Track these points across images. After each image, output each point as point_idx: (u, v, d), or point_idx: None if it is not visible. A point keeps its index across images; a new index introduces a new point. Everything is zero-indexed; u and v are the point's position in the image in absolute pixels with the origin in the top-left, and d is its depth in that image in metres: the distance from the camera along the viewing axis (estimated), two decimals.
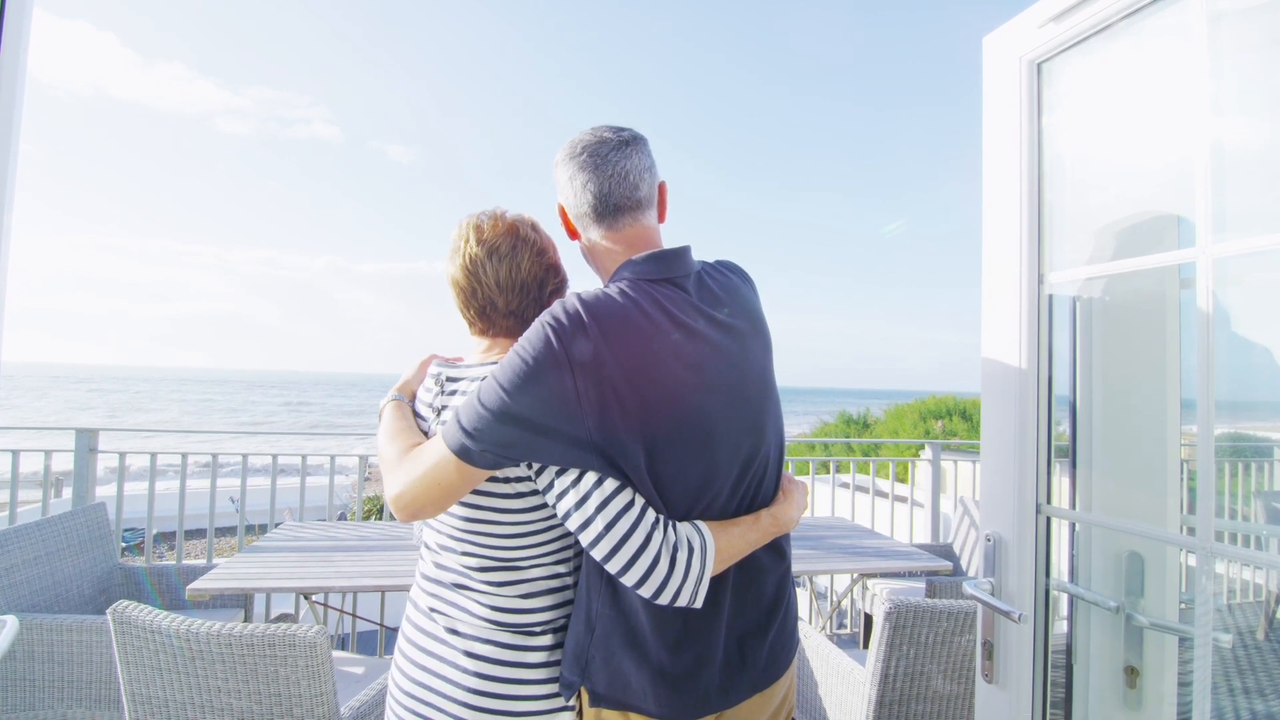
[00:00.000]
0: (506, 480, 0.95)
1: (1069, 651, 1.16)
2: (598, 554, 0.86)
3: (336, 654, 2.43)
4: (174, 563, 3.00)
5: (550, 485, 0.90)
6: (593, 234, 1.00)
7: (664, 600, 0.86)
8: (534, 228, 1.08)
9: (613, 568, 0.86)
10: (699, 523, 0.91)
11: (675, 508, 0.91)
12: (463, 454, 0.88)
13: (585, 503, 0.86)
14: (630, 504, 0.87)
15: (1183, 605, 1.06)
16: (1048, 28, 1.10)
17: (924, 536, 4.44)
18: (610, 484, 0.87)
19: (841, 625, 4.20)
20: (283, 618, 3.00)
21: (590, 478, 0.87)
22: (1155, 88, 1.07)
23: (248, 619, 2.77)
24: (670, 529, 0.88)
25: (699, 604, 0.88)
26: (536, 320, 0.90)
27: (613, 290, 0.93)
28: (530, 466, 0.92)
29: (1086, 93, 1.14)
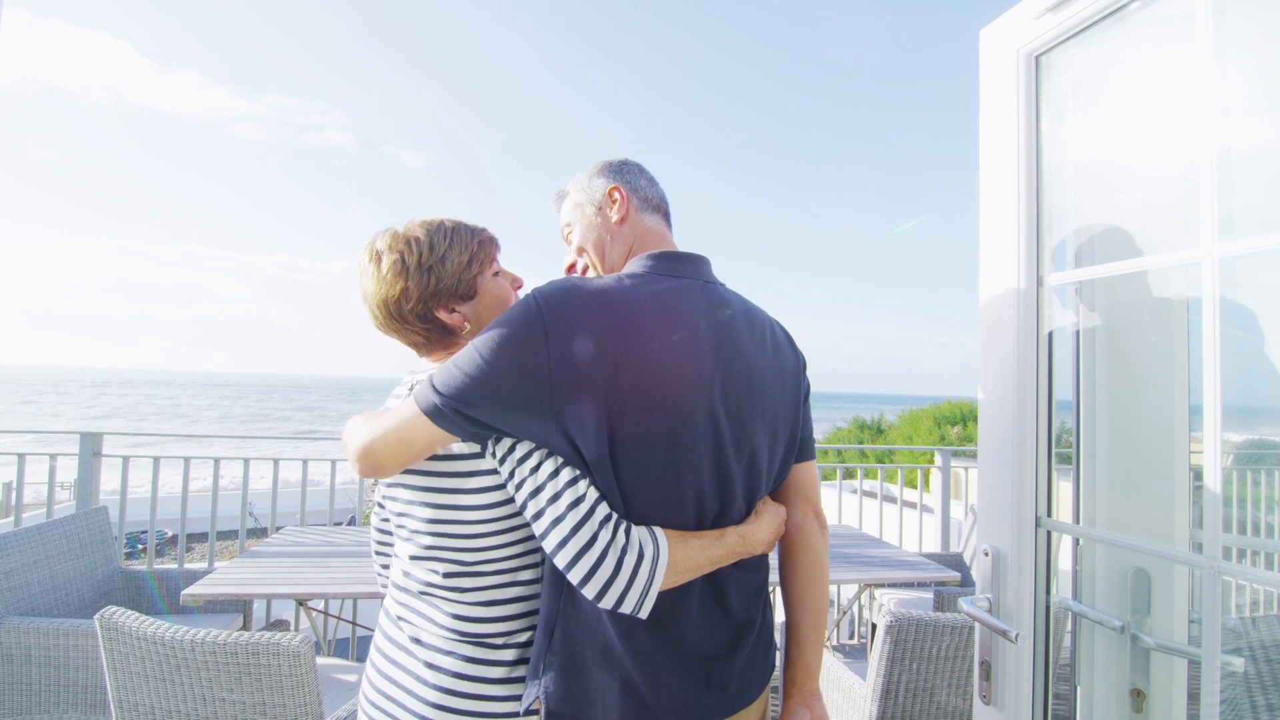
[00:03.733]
0: (470, 475, 0.93)
1: (1072, 672, 1.11)
2: (547, 547, 0.84)
3: (332, 660, 2.41)
4: (175, 566, 3.01)
5: (511, 474, 0.88)
6: (649, 220, 1.10)
7: (607, 604, 0.83)
8: (388, 248, 1.02)
9: (559, 563, 0.84)
10: (657, 530, 0.87)
11: (635, 507, 0.88)
12: (431, 411, 0.87)
13: (539, 494, 0.85)
14: (581, 498, 0.84)
15: (1193, 623, 1.01)
16: (1045, 18, 1.05)
17: (934, 544, 4.35)
18: (565, 475, 0.85)
19: (851, 635, 4.12)
20: (278, 624, 3.00)
21: (546, 468, 0.85)
22: (1158, 80, 1.02)
23: (246, 624, 2.76)
24: (621, 531, 0.84)
25: (644, 614, 0.84)
26: (529, 293, 0.90)
27: (610, 278, 0.95)
28: (495, 455, 0.89)
29: (1087, 86, 1.09)
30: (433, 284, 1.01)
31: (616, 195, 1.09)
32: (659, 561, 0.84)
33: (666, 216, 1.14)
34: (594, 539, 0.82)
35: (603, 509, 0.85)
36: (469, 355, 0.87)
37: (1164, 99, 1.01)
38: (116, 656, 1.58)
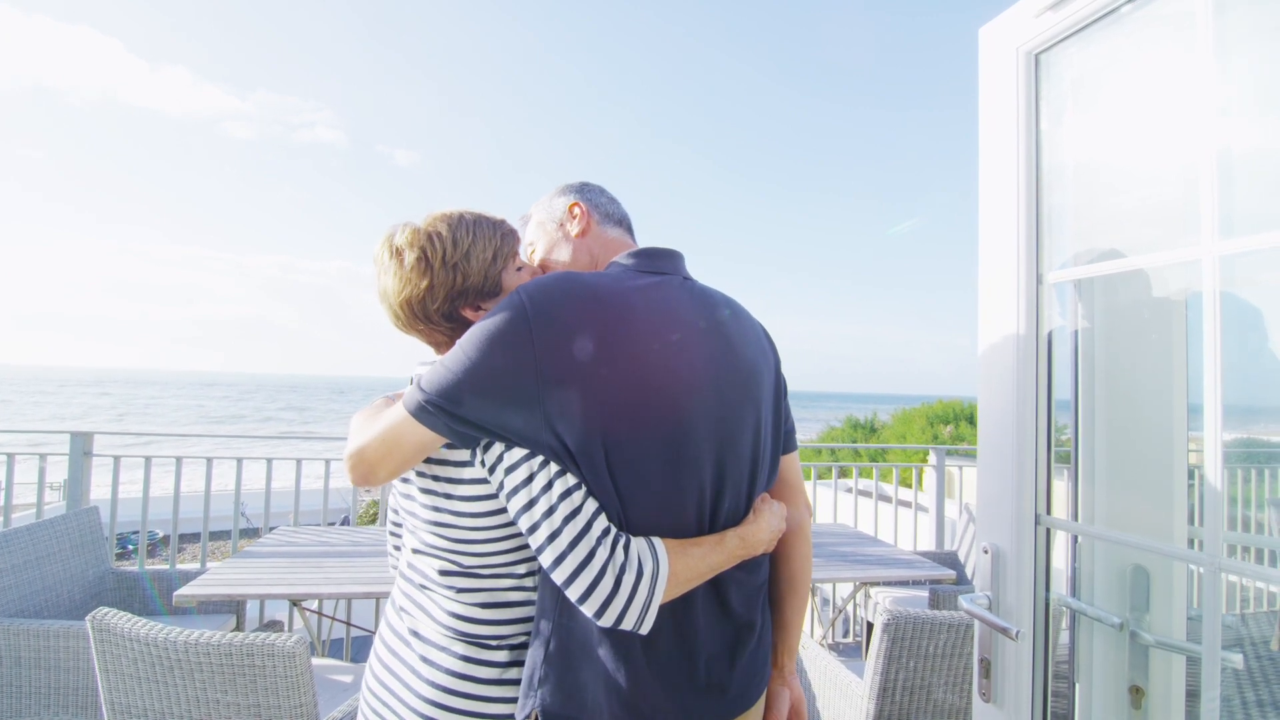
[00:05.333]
0: (460, 482, 0.91)
1: (1071, 670, 1.11)
2: (544, 562, 0.83)
3: (326, 661, 2.39)
4: (167, 567, 2.98)
5: (501, 485, 0.86)
6: (610, 231, 1.12)
7: (606, 622, 0.81)
8: (409, 244, 0.98)
9: (557, 579, 0.82)
10: (656, 541, 0.85)
11: (634, 511, 0.86)
12: (416, 411, 0.86)
13: (533, 507, 0.83)
14: (578, 510, 0.82)
15: (1191, 620, 1.01)
16: (1045, 17, 1.05)
17: (929, 543, 4.37)
18: (559, 487, 0.83)
19: (845, 634, 4.13)
20: (272, 624, 2.98)
21: (540, 480, 0.83)
22: (1158, 79, 1.02)
23: (240, 625, 2.74)
24: (620, 547, 0.82)
25: (644, 630, 0.83)
26: (516, 289, 0.89)
27: (595, 273, 0.95)
28: (484, 465, 0.87)
29: (1087, 85, 1.10)
30: (459, 282, 0.98)
31: (577, 210, 1.11)
32: (659, 577, 0.82)
33: (629, 230, 1.15)
34: (592, 555, 0.80)
35: (601, 522, 0.83)
36: (455, 353, 0.86)
37: (1164, 98, 1.01)
38: (108, 658, 1.57)
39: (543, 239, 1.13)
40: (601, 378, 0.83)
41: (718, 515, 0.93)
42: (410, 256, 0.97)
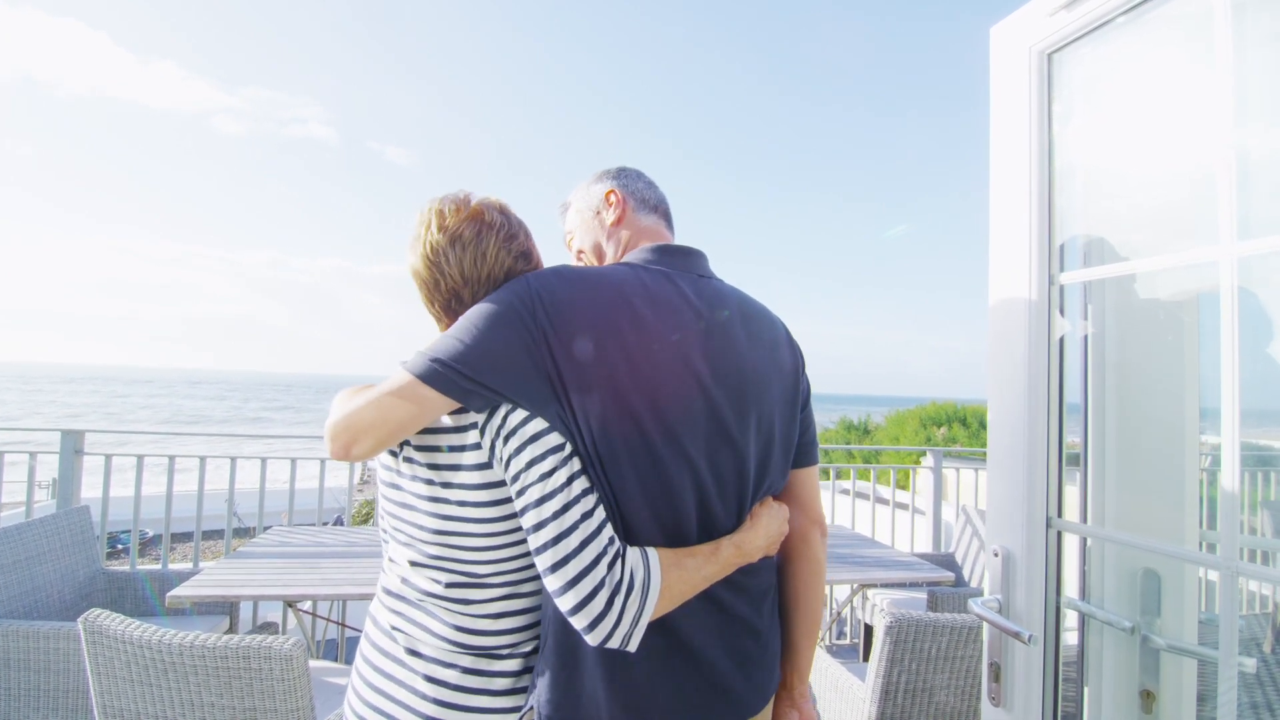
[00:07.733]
0: (476, 486, 0.89)
1: (1081, 674, 1.10)
2: (540, 566, 0.81)
3: (321, 663, 2.36)
4: (159, 567, 2.94)
5: (516, 477, 0.84)
6: (645, 220, 1.11)
7: (594, 640, 0.79)
8: (502, 211, 1.00)
9: (551, 586, 0.80)
10: (650, 553, 0.84)
11: (627, 508, 0.85)
12: (426, 373, 0.84)
13: (545, 503, 0.81)
14: (589, 514, 0.81)
15: (1202, 624, 1.01)
16: (1059, 16, 1.04)
17: (925, 545, 4.37)
18: (578, 486, 0.82)
19: (841, 635, 4.13)
20: (266, 626, 2.94)
21: (560, 477, 0.81)
22: (1174, 78, 1.02)
23: (233, 627, 2.71)
24: (619, 565, 0.81)
25: (632, 647, 0.81)
26: (521, 275, 0.91)
27: (603, 266, 0.96)
28: (501, 460, 0.85)
29: (1100, 84, 1.09)
30: (528, 259, 1.00)
31: (613, 198, 1.11)
32: (649, 593, 0.81)
33: (666, 217, 1.14)
34: (594, 565, 0.79)
35: (606, 534, 0.81)
36: (461, 323, 0.87)
37: (1179, 98, 1.01)
38: (101, 660, 1.54)
39: (580, 227, 1.14)
40: (587, 373, 0.83)
41: (710, 518, 0.91)
42: (515, 221, 1.01)
